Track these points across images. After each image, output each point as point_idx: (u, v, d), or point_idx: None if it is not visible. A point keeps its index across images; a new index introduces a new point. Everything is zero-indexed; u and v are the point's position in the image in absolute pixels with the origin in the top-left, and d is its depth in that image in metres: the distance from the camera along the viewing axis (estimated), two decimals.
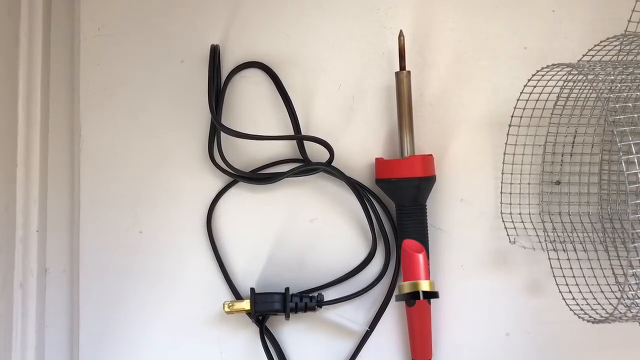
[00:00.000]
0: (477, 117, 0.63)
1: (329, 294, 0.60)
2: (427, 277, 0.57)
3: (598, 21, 0.62)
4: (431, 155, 0.61)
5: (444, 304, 0.61)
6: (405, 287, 0.57)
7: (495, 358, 0.61)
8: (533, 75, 0.56)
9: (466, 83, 0.63)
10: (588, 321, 0.54)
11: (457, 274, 0.61)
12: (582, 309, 0.55)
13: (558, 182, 0.62)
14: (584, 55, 0.57)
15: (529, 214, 0.61)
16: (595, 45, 0.56)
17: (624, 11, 0.57)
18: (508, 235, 0.60)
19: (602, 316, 0.53)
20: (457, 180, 0.62)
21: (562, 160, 0.61)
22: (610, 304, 0.55)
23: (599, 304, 0.56)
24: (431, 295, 0.56)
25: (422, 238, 0.59)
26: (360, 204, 0.60)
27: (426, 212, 0.60)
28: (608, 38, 0.56)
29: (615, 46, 0.56)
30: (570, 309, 0.56)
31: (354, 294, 0.60)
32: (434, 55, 0.63)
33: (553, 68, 0.55)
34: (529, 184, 0.61)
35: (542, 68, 0.55)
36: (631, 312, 0.51)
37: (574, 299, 0.56)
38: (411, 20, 0.63)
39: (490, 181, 0.62)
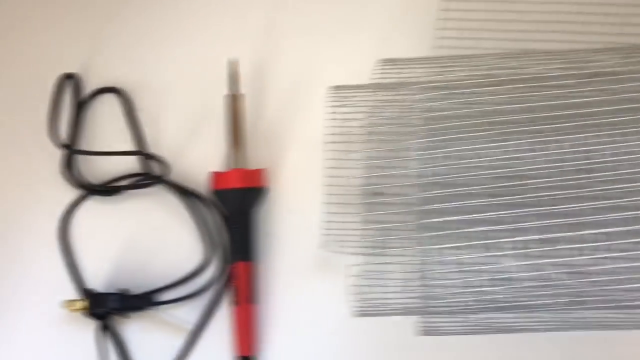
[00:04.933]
0: (309, 136, 0.69)
1: (167, 296, 0.67)
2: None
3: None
4: (258, 170, 0.67)
5: (273, 306, 0.67)
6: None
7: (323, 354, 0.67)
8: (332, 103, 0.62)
9: (302, 107, 0.70)
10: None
11: (285, 278, 0.67)
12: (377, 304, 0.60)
13: (377, 193, 0.67)
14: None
15: (351, 222, 0.66)
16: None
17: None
18: (329, 242, 0.65)
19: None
20: (288, 192, 0.69)
21: (380, 173, 0.66)
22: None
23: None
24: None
25: (249, 245, 0.66)
26: (194, 213, 0.67)
27: (253, 220, 0.66)
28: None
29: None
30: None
31: (187, 296, 0.66)
32: (271, 80, 0.70)
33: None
34: (349, 195, 0.66)
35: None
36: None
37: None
38: (252, 46, 0.71)
39: (317, 193, 0.68)
